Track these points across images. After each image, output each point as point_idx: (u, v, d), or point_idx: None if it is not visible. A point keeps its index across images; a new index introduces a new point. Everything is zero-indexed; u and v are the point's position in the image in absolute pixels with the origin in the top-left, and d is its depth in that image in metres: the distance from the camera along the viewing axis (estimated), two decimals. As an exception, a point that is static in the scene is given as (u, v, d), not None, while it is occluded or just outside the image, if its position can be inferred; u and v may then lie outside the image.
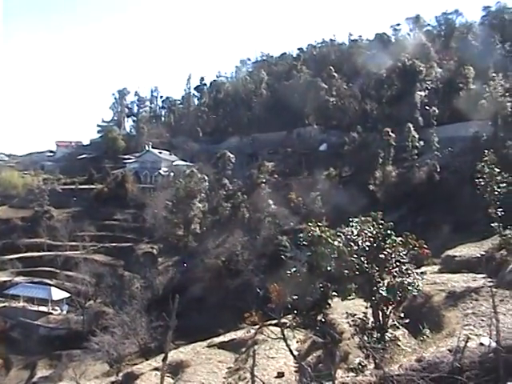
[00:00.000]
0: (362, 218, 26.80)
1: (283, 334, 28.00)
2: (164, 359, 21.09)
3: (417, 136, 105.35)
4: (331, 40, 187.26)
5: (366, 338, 24.70)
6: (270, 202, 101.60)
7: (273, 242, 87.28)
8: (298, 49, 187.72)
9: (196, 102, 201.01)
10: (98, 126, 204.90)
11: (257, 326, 40.21)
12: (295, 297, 26.50)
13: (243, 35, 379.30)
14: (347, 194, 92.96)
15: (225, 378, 38.78)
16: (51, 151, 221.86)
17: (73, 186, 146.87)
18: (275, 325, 33.31)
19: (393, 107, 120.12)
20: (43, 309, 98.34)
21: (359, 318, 25.92)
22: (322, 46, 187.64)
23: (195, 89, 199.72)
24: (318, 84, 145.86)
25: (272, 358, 36.84)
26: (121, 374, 49.74)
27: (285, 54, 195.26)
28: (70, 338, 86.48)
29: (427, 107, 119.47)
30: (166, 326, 56.66)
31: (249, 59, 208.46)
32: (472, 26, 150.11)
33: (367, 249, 24.84)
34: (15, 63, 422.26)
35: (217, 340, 46.95)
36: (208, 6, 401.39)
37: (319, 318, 26.76)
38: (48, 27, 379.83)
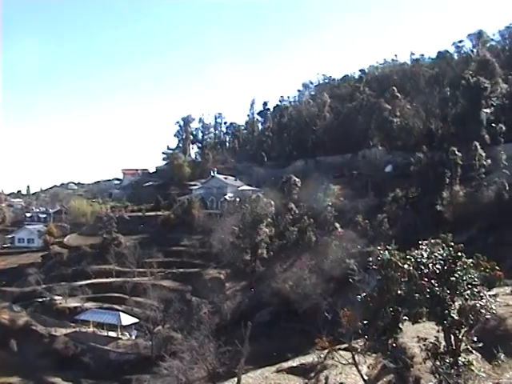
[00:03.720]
0: (432, 241, 26.44)
1: (354, 359, 27.71)
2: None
3: (484, 154, 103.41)
4: (393, 60, 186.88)
5: (438, 362, 24.30)
6: (337, 225, 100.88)
7: (340, 265, 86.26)
8: (360, 70, 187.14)
9: (260, 126, 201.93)
10: (164, 153, 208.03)
11: (326, 351, 39.89)
12: (366, 321, 26.23)
13: (304, 59, 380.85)
14: (414, 215, 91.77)
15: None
16: (118, 179, 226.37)
17: (140, 213, 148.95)
18: (345, 349, 32.97)
19: (458, 125, 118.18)
20: (113, 334, 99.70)
21: (431, 342, 25.56)
22: (384, 67, 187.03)
23: (259, 114, 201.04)
24: (381, 105, 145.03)
25: (341, 383, 36.32)
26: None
27: (347, 75, 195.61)
28: (139, 362, 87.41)
29: (493, 124, 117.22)
30: (234, 351, 56.66)
31: (311, 82, 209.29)
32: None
33: (438, 272, 24.49)
34: (84, 96, 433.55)
35: (285, 365, 46.48)
36: (268, 30, 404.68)
37: (390, 342, 26.41)
38: (113, 63, 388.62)
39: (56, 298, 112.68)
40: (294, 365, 46.01)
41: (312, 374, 41.92)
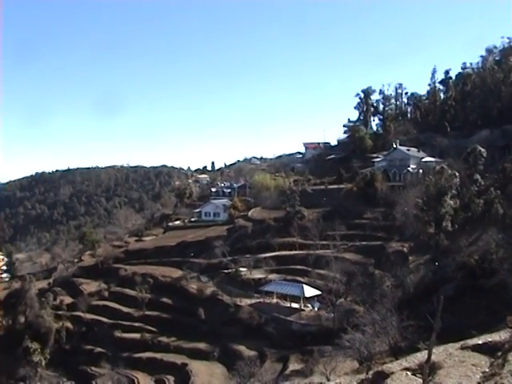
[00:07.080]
0: None
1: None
2: (427, 361, 20.88)
3: None
4: None
5: None
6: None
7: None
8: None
9: (442, 96, 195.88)
10: (345, 126, 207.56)
11: (515, 329, 38.14)
12: None
13: (487, 22, 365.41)
14: None
15: (479, 382, 37.09)
16: (300, 153, 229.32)
17: (322, 186, 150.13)
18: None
19: None
20: (295, 305, 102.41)
21: None
22: None
23: (440, 82, 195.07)
24: None
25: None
26: (371, 372, 49.33)
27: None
28: (320, 334, 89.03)
29: None
30: (417, 325, 55.78)
31: (495, 47, 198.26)
32: None
33: None
34: (266, 72, 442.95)
35: (470, 342, 44.77)
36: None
37: None
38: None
39: (241, 269, 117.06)
40: (480, 342, 44.24)
41: (499, 354, 40.25)
